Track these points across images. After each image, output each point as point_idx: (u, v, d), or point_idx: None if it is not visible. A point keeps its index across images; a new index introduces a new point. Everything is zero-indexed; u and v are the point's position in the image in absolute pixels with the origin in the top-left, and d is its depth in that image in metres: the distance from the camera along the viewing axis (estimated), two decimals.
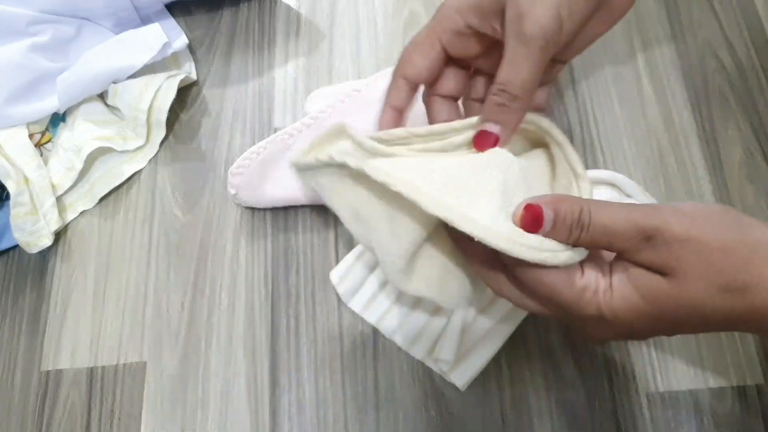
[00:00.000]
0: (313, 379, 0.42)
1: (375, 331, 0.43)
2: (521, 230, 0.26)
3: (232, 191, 0.43)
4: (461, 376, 0.40)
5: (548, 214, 0.25)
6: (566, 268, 0.26)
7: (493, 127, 0.29)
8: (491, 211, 0.26)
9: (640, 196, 0.42)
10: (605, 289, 0.26)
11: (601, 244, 0.26)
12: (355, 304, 0.43)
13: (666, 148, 0.49)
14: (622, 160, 0.48)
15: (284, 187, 0.44)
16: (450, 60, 0.32)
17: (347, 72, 0.51)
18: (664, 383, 0.42)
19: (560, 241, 0.26)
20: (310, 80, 0.51)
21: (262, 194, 0.43)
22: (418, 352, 0.42)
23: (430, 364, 0.42)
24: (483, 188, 0.27)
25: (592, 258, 0.27)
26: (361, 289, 0.43)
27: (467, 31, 0.30)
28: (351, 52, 0.52)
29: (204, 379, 0.42)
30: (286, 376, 0.42)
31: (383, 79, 0.46)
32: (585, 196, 0.29)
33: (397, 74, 0.32)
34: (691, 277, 0.24)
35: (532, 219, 0.26)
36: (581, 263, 0.27)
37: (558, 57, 0.31)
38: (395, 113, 0.32)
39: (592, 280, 0.26)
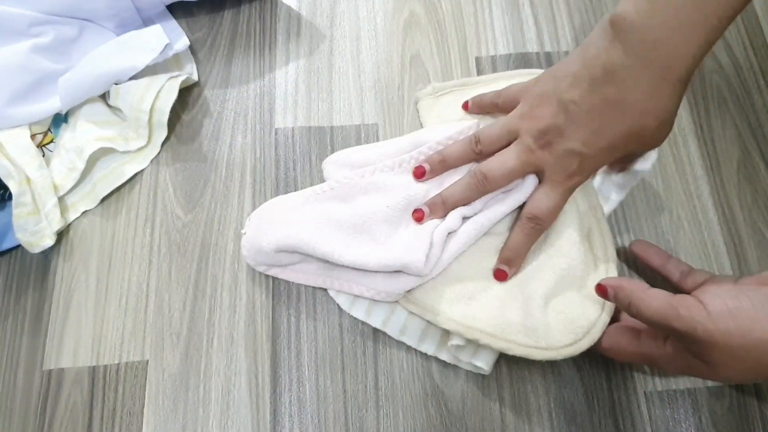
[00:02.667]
0: (313, 378, 0.42)
1: (375, 330, 0.43)
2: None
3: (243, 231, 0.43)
4: (486, 359, 0.40)
5: (611, 292, 0.36)
6: (631, 336, 0.37)
7: (506, 269, 0.41)
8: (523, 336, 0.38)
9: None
10: (661, 351, 0.35)
11: (646, 323, 0.35)
12: (357, 312, 0.43)
13: (664, 147, 0.49)
14: None
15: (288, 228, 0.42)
16: None
17: (347, 72, 0.51)
18: (663, 382, 0.42)
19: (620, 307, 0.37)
20: (311, 80, 0.51)
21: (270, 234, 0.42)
22: (429, 348, 0.42)
23: (444, 357, 0.42)
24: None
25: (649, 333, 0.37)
26: (360, 297, 0.43)
27: None
28: (351, 52, 0.52)
29: (205, 377, 0.42)
30: (287, 375, 0.42)
31: (407, 167, 0.43)
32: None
33: None
34: (722, 367, 0.32)
35: (602, 292, 0.37)
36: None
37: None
38: None
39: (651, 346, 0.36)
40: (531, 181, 0.41)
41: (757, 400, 0.42)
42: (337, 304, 0.43)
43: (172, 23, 0.52)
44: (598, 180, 0.44)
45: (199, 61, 0.52)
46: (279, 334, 0.43)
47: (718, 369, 0.32)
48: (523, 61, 0.52)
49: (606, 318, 0.38)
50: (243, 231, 0.43)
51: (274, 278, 0.44)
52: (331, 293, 0.43)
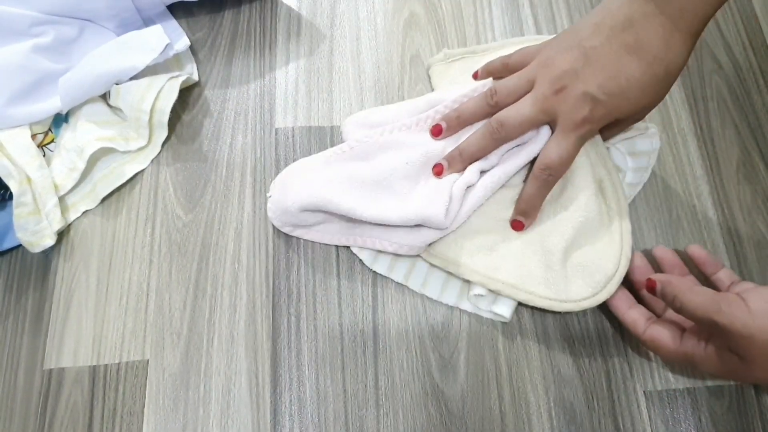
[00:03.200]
0: (314, 377, 0.42)
1: (375, 330, 0.43)
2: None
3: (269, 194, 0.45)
4: (506, 307, 0.42)
5: (659, 286, 0.38)
6: (673, 333, 0.38)
7: (522, 220, 0.43)
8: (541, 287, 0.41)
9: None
10: (701, 351, 0.37)
11: (689, 318, 0.36)
12: (380, 267, 0.44)
13: (664, 147, 0.49)
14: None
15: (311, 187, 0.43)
16: None
17: (347, 72, 0.52)
18: (662, 381, 0.43)
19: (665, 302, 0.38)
20: (311, 80, 0.51)
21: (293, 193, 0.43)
22: (450, 299, 0.44)
23: (465, 306, 0.44)
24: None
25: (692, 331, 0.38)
26: (383, 253, 0.44)
27: None
28: (351, 52, 0.52)
29: (206, 377, 0.42)
30: (287, 374, 0.42)
31: (424, 125, 0.44)
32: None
33: None
34: (757, 366, 0.34)
35: (650, 287, 0.38)
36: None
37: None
38: None
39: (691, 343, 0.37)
40: (545, 132, 0.42)
41: (756, 400, 0.42)
42: (338, 299, 0.44)
43: (173, 23, 0.52)
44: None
45: (200, 61, 0.52)
46: (279, 334, 0.43)
47: (753, 367, 0.34)
48: None
49: (622, 272, 0.41)
50: (269, 194, 0.45)
51: (275, 278, 0.44)
52: (354, 250, 0.44)
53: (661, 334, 0.38)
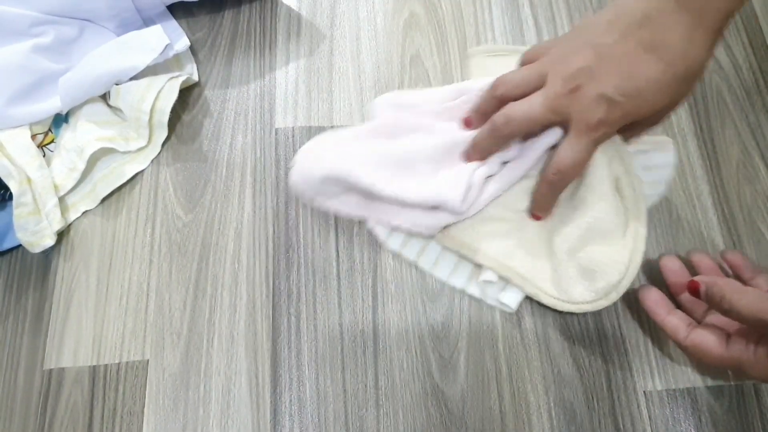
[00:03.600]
0: (314, 377, 0.42)
1: (375, 330, 0.43)
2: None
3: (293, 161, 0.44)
4: (513, 297, 0.43)
5: (702, 289, 0.36)
6: (718, 337, 0.36)
7: (539, 215, 0.43)
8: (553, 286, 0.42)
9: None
10: (750, 355, 0.35)
11: (737, 320, 0.34)
12: (393, 243, 0.45)
13: None
14: None
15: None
16: None
17: (347, 72, 0.52)
18: (663, 381, 0.43)
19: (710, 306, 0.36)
20: (311, 80, 0.51)
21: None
22: (459, 282, 0.44)
23: (472, 290, 0.44)
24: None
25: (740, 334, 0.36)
26: (398, 229, 0.45)
27: None
28: (351, 52, 0.52)
29: (206, 377, 0.42)
30: (287, 374, 0.42)
31: (451, 114, 0.44)
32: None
33: None
34: None
35: (693, 288, 0.37)
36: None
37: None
38: None
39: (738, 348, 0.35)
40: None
41: (756, 400, 0.42)
42: (338, 299, 0.44)
43: (173, 23, 0.52)
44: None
45: (200, 61, 0.52)
46: (279, 334, 0.43)
47: None
48: None
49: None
50: (291, 164, 0.44)
51: (275, 278, 0.44)
52: (369, 225, 0.45)
53: (706, 339, 0.36)
